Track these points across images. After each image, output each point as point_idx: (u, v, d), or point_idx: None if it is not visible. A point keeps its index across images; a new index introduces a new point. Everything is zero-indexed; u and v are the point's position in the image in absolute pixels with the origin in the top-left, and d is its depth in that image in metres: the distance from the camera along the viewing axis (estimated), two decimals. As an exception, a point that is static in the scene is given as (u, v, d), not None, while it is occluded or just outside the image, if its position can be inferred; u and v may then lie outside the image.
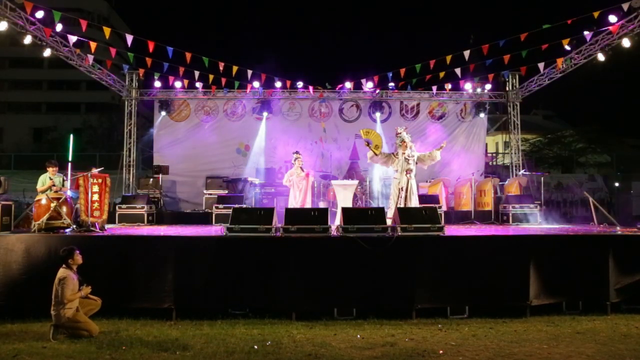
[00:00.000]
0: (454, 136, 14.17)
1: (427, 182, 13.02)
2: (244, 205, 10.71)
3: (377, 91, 13.90)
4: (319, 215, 6.99)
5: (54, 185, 7.78)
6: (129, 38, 10.83)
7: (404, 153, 8.54)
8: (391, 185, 8.92)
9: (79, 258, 5.83)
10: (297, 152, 10.08)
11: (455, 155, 14.05)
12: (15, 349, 5.19)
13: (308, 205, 9.57)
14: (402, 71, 12.35)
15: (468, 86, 13.85)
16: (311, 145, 13.88)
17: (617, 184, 18.31)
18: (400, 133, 8.79)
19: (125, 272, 6.54)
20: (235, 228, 6.80)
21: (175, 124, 14.03)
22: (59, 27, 10.14)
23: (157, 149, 13.96)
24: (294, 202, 9.55)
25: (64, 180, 8.12)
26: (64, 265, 5.74)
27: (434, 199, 11.28)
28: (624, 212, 15.11)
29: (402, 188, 8.45)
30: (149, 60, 11.59)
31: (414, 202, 8.41)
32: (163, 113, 13.86)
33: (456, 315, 6.57)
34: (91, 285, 5.83)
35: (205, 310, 6.49)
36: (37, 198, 7.68)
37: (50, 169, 8.03)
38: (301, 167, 9.80)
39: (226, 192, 12.35)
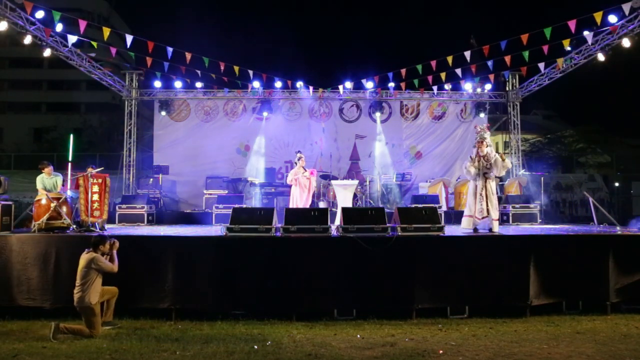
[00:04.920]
0: (454, 136, 14.19)
1: (427, 182, 13.03)
2: (244, 205, 10.71)
3: (378, 91, 13.91)
4: (319, 215, 6.99)
5: (48, 191, 7.77)
6: (129, 38, 10.82)
7: (479, 155, 7.78)
8: (468, 188, 8.17)
9: (107, 247, 5.98)
10: (299, 152, 10.05)
11: (455, 156, 14.06)
12: (15, 349, 5.19)
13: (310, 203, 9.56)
14: (403, 71, 12.36)
15: (468, 86, 13.87)
16: (311, 145, 13.87)
17: (617, 184, 18.30)
18: (480, 131, 8.02)
19: (125, 272, 6.51)
20: (235, 228, 6.80)
21: (175, 124, 14.05)
22: (59, 27, 10.14)
23: (157, 149, 13.97)
24: (298, 200, 9.52)
25: (63, 181, 8.12)
26: (88, 250, 5.83)
27: (434, 199, 11.29)
28: (623, 212, 15.11)
29: (480, 191, 7.72)
30: (149, 60, 11.59)
31: (494, 206, 7.73)
32: (163, 113, 13.88)
33: (456, 315, 6.57)
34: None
35: (205, 310, 6.48)
36: (37, 198, 7.68)
37: (45, 170, 7.97)
38: (303, 167, 9.77)
39: (226, 192, 12.35)
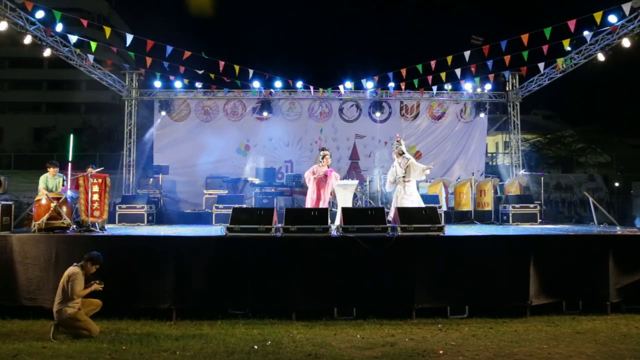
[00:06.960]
0: (454, 136, 14.19)
1: (427, 182, 13.01)
2: (244, 205, 10.70)
3: (378, 91, 13.91)
4: (319, 215, 6.98)
5: (49, 191, 7.78)
6: (129, 38, 10.82)
7: (399, 161, 8.88)
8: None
9: (94, 269, 5.84)
10: (324, 149, 9.46)
11: (455, 155, 14.07)
12: (15, 349, 5.18)
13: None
14: (403, 71, 12.35)
15: (468, 86, 13.86)
16: (311, 145, 13.89)
17: (617, 184, 18.29)
18: (398, 140, 9.12)
19: (125, 272, 6.54)
20: (235, 228, 6.80)
21: (175, 124, 14.05)
22: (59, 27, 10.14)
23: (157, 149, 13.97)
24: (313, 200, 9.16)
25: (63, 181, 8.13)
26: (75, 264, 5.77)
27: (434, 199, 11.28)
28: (623, 212, 15.12)
29: (397, 195, 8.79)
30: (149, 60, 11.58)
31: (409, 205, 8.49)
32: (163, 113, 13.88)
33: (456, 315, 6.57)
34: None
35: (205, 310, 6.49)
36: (37, 198, 7.68)
37: (50, 170, 8.04)
38: (328, 166, 9.33)
39: (226, 192, 12.35)
